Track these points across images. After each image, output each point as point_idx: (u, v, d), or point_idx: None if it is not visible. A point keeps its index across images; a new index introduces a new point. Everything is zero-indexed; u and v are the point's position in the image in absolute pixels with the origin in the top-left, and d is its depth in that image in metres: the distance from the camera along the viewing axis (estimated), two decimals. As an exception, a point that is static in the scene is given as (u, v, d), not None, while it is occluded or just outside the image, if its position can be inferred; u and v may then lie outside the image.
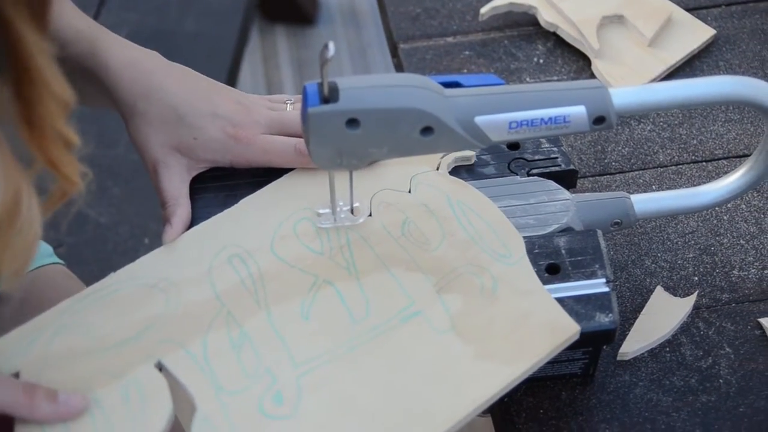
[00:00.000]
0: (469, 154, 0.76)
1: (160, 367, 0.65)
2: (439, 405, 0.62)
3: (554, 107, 0.66)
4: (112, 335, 0.67)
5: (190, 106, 0.74)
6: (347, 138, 0.64)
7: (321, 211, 0.72)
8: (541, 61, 0.97)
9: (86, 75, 0.76)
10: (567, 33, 0.97)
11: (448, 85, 0.66)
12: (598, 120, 0.67)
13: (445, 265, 0.69)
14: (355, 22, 2.22)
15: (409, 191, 0.74)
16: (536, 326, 0.65)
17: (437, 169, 0.75)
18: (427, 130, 0.64)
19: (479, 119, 0.65)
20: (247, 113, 0.75)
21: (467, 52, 0.98)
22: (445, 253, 0.70)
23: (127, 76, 0.74)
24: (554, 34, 0.99)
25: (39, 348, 0.66)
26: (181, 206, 0.73)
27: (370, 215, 0.72)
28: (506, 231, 0.71)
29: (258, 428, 0.62)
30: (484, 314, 0.66)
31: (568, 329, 0.65)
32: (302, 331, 0.66)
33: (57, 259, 0.92)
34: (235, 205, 0.74)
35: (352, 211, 0.72)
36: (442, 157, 0.76)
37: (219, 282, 0.69)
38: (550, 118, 0.66)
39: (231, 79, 1.42)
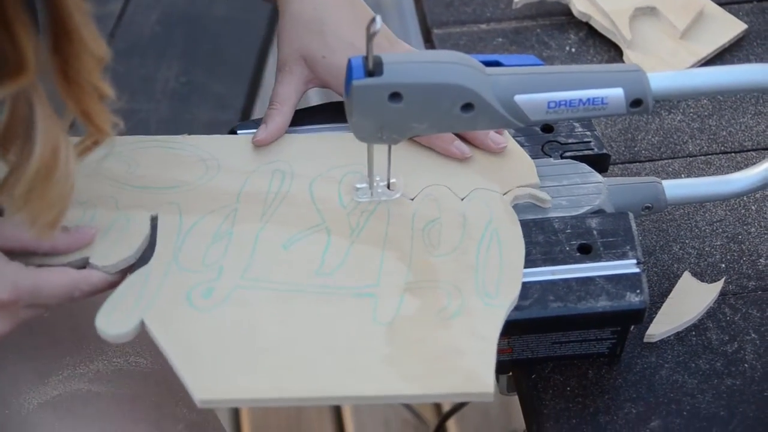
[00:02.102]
0: (545, 198, 0.74)
1: (154, 221, 0.72)
2: (319, 377, 0.63)
3: (593, 89, 0.67)
4: (143, 178, 0.74)
5: (335, 26, 0.76)
6: (389, 112, 0.65)
7: (359, 186, 0.73)
8: (573, 50, 0.98)
9: None
10: (599, 23, 0.99)
11: (488, 63, 0.68)
12: (635, 103, 0.68)
13: (431, 272, 0.69)
14: (379, 12, 2.23)
15: (462, 199, 0.74)
16: (457, 367, 0.64)
17: (505, 194, 0.74)
18: (467, 107, 0.66)
19: (519, 98, 0.66)
20: None
21: (500, 39, 0.99)
22: (443, 263, 0.69)
23: None
24: (586, 24, 1.00)
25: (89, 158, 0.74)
26: (282, 114, 0.77)
27: (413, 200, 0.73)
28: (511, 278, 0.68)
29: (172, 306, 0.67)
30: (424, 331, 0.66)
31: (481, 386, 0.63)
32: (273, 255, 0.70)
33: None
34: (315, 134, 0.77)
35: (388, 186, 0.74)
36: (517, 186, 0.74)
37: (250, 184, 0.74)
38: (588, 99, 0.67)
39: (259, 65, 1.43)
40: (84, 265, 0.69)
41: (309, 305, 0.67)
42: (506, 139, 0.76)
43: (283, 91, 0.78)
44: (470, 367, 0.64)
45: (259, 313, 0.66)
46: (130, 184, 0.74)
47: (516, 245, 0.70)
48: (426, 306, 0.67)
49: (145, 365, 0.80)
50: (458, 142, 0.75)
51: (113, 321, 0.66)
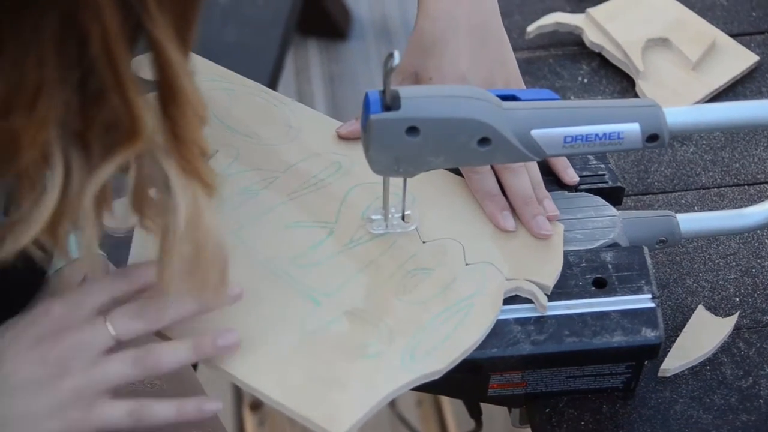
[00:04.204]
0: (544, 303, 0.69)
1: (211, 156, 0.76)
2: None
3: (609, 123, 0.67)
4: (231, 118, 0.79)
5: (455, 54, 0.75)
6: (406, 145, 0.65)
7: (374, 217, 0.73)
8: (586, 80, 0.99)
9: None
10: (612, 54, 0.99)
11: (505, 98, 0.68)
12: (652, 138, 0.68)
13: (382, 310, 0.68)
14: (387, 38, 2.24)
15: (468, 264, 0.72)
16: (328, 400, 0.63)
17: (509, 279, 0.70)
18: (484, 141, 0.66)
19: (536, 132, 0.66)
20: None
21: (512, 69, 0.99)
22: (399, 308, 0.69)
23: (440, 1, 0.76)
24: (599, 54, 1.00)
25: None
26: None
27: (424, 242, 0.73)
28: (445, 355, 0.66)
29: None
30: (332, 354, 0.66)
31: (332, 427, 0.62)
32: (271, 228, 0.73)
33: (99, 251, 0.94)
34: None
35: (403, 218, 0.73)
36: (527, 279, 0.71)
37: (306, 162, 0.77)
38: (605, 134, 0.67)
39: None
40: None
41: (262, 281, 0.69)
42: (554, 231, 0.73)
43: None
44: (339, 405, 0.63)
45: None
46: (218, 117, 0.79)
47: (476, 331, 0.67)
48: (352, 335, 0.67)
49: (158, 386, 0.80)
50: (507, 213, 0.73)
51: (116, 213, 0.68)
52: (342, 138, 0.79)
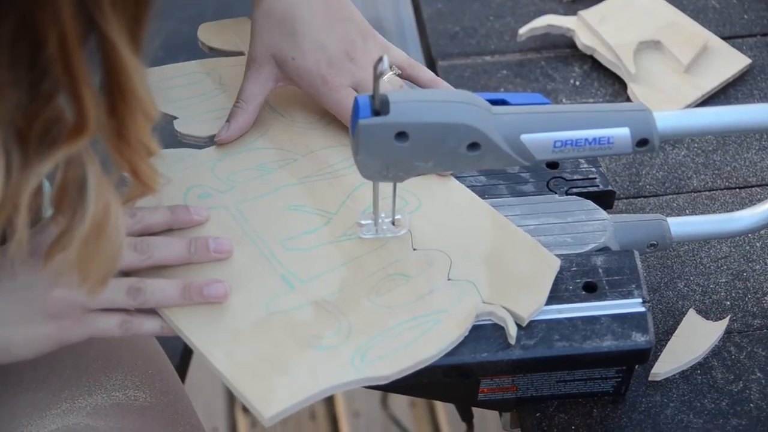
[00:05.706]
0: (513, 334, 0.67)
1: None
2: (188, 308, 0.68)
3: (599, 128, 0.67)
4: (277, 99, 0.81)
5: (307, 27, 0.75)
6: (395, 150, 0.65)
7: (363, 222, 0.73)
8: (578, 83, 0.98)
9: None
10: (604, 56, 0.99)
11: (495, 102, 0.68)
12: (641, 142, 0.68)
13: (348, 307, 0.68)
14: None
15: (449, 279, 0.70)
16: (268, 380, 0.64)
17: (485, 303, 0.69)
18: (473, 146, 0.66)
19: (525, 137, 0.66)
20: (349, 61, 0.76)
21: (504, 72, 0.99)
22: (366, 309, 0.68)
23: None
24: (591, 57, 1.00)
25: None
26: (247, 113, 0.78)
27: (414, 249, 0.72)
28: (394, 362, 0.65)
29: (175, 189, 0.74)
30: (287, 338, 0.66)
31: (263, 408, 0.62)
32: (271, 208, 0.74)
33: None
34: None
35: (393, 223, 0.73)
36: (503, 306, 0.69)
37: (328, 152, 0.78)
38: (595, 139, 0.67)
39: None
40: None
41: (244, 254, 0.70)
42: (550, 266, 0.71)
43: (250, 89, 0.78)
44: (275, 388, 0.64)
45: (210, 234, 0.71)
46: (268, 100, 0.80)
47: (434, 346, 0.66)
48: (312, 324, 0.67)
49: (144, 399, 0.80)
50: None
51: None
52: (223, 144, 0.78)
